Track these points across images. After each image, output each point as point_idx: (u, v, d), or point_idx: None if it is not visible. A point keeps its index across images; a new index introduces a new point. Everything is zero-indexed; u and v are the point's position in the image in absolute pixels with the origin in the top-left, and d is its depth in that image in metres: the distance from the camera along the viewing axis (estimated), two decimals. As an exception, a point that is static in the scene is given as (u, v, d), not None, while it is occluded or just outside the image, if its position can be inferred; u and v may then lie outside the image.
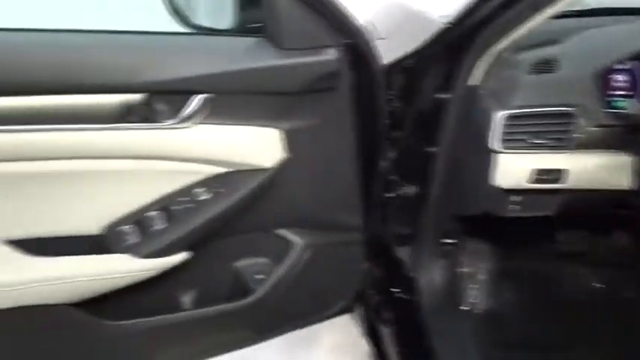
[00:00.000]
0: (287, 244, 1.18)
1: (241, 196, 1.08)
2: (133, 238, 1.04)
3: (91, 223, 1.03)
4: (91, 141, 0.96)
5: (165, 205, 1.06)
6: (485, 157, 1.16)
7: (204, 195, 1.07)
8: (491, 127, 1.13)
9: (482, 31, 1.05)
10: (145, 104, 0.98)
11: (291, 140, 1.09)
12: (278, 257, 1.18)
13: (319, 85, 1.05)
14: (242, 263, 1.19)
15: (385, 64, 1.13)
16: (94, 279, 1.01)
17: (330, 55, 1.04)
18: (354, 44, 1.07)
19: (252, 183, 1.08)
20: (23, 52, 0.93)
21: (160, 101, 1.00)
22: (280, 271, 1.17)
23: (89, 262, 1.01)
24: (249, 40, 1.06)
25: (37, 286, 0.97)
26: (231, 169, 1.07)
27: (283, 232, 1.18)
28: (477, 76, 1.13)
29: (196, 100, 1.00)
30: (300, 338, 1.33)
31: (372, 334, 1.43)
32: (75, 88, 0.94)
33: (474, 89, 1.14)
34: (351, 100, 1.11)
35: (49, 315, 0.99)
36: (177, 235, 1.05)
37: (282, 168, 1.09)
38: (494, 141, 1.20)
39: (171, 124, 1.00)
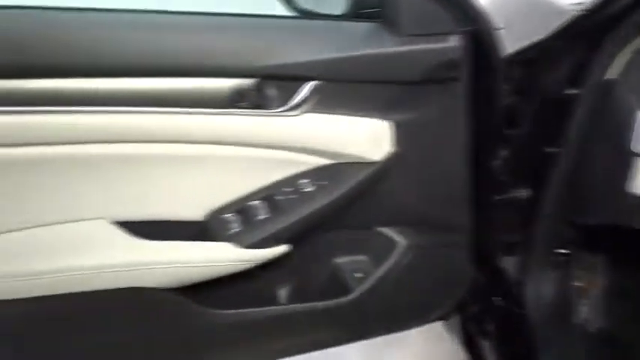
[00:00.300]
0: (389, 244, 1.11)
1: (345, 190, 1.03)
2: (235, 227, 1.01)
3: (194, 209, 1.02)
4: (200, 125, 0.94)
5: (268, 194, 1.02)
6: (621, 161, 1.04)
7: (308, 187, 1.03)
8: (633, 127, 1.00)
9: (628, 19, 0.94)
10: (256, 90, 0.95)
11: (401, 133, 1.02)
12: (379, 256, 1.12)
13: (439, 74, 0.98)
14: (341, 260, 1.14)
15: (505, 56, 1.04)
16: (196, 266, 0.99)
17: (453, 42, 0.97)
18: (476, 32, 0.99)
19: (358, 177, 1.03)
20: (140, 34, 0.92)
21: (270, 87, 0.97)
22: (380, 271, 1.11)
23: (192, 248, 1.00)
24: (364, 26, 1.00)
25: (142, 269, 0.96)
26: (337, 161, 1.02)
27: (386, 230, 1.12)
28: (615, 69, 1.01)
29: (307, 88, 0.96)
30: (387, 340, 1.26)
31: (470, 345, 1.34)
32: (187, 71, 0.93)
33: (611, 84, 1.02)
34: (469, 92, 1.03)
35: (150, 298, 0.99)
36: (279, 226, 1.02)
37: (390, 162, 1.03)
38: (638, 144, 1.07)
39: (281, 111, 0.97)
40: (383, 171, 1.03)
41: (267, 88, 0.96)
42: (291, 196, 1.02)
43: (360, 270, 1.13)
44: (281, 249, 1.03)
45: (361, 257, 1.14)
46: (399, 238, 1.11)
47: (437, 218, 1.11)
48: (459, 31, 0.97)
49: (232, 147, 0.98)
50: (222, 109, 0.94)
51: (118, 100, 0.91)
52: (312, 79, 0.96)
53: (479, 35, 0.99)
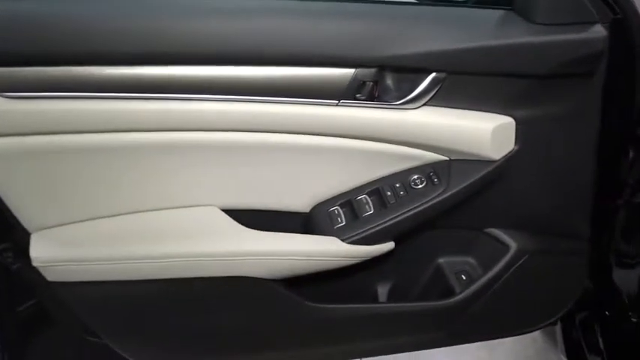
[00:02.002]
0: (499, 247, 1.05)
1: (458, 189, 0.97)
2: (341, 221, 0.98)
3: (301, 201, 0.99)
4: (315, 116, 0.91)
5: (377, 189, 0.98)
6: None
7: (419, 183, 0.98)
8: None
9: None
10: (374, 81, 0.90)
11: (525, 131, 0.95)
12: (487, 259, 1.06)
13: (575, 68, 0.89)
14: (446, 260, 1.09)
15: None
16: (300, 259, 0.97)
17: (594, 33, 0.87)
18: (621, 21, 0.89)
19: (474, 176, 0.97)
20: (260, 21, 0.89)
21: (390, 78, 0.92)
22: (488, 275, 1.05)
23: (297, 240, 0.98)
24: (493, 13, 0.93)
25: (249, 259, 0.95)
26: (452, 158, 0.96)
27: (497, 232, 1.05)
28: None
29: (428, 79, 0.90)
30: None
31: (575, 356, 1.26)
32: (305, 60, 0.89)
33: None
34: (604, 87, 0.93)
35: (254, 287, 0.98)
36: (387, 223, 0.97)
37: (510, 162, 0.96)
38: None
39: (400, 104, 0.91)
40: (501, 170, 0.96)
41: (387, 79, 0.92)
42: (400, 192, 0.97)
43: (465, 272, 1.08)
44: (386, 246, 0.99)
45: (468, 259, 1.08)
46: (510, 241, 1.04)
47: (555, 223, 1.03)
48: (601, 20, 0.87)
49: (344, 139, 0.94)
50: (339, 100, 0.90)
51: (236, 89, 0.89)
52: (434, 70, 0.90)
53: (623, 25, 0.89)
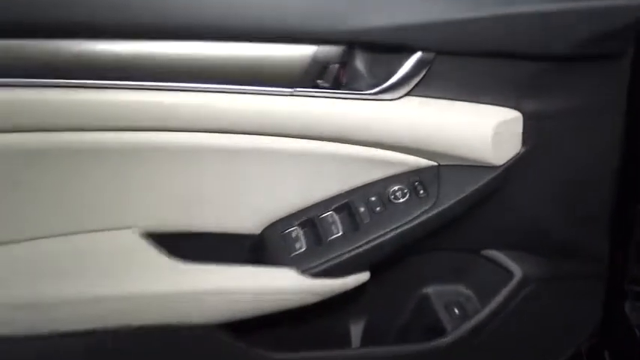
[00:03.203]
0: (500, 273, 0.84)
1: (452, 204, 0.75)
2: (301, 246, 0.76)
3: (249, 220, 0.77)
4: (263, 109, 0.69)
5: (347, 205, 0.77)
6: None
7: (401, 196, 0.76)
8: None
9: None
10: (340, 62, 0.68)
11: (535, 128, 0.74)
12: (484, 288, 0.85)
13: (601, 47, 0.69)
14: (434, 289, 0.88)
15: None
16: (249, 297, 0.75)
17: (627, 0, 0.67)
18: None
19: (470, 186, 0.75)
20: None
21: (360, 59, 0.70)
22: (486, 308, 0.84)
23: (244, 273, 0.75)
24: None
25: (180, 301, 0.72)
26: (443, 163, 0.75)
27: (497, 254, 0.84)
28: None
29: (411, 61, 0.69)
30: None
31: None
32: (244, 34, 0.67)
33: None
34: (633, 73, 0.73)
35: (191, 336, 0.75)
36: (359, 248, 0.75)
37: (516, 167, 0.75)
38: None
39: (374, 93, 0.70)
40: (505, 179, 0.76)
41: (357, 60, 0.70)
42: (377, 208, 0.76)
43: (458, 304, 0.87)
44: (359, 278, 0.77)
45: (461, 287, 0.88)
46: (513, 265, 0.84)
47: (569, 242, 0.83)
48: None
49: (301, 140, 0.72)
50: (294, 89, 0.68)
51: (158, 74, 0.67)
52: (420, 49, 0.68)
53: None
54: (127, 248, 0.73)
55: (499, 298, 0.84)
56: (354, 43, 0.68)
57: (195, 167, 0.72)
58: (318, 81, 0.68)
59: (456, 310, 0.86)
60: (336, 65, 0.68)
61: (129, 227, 0.74)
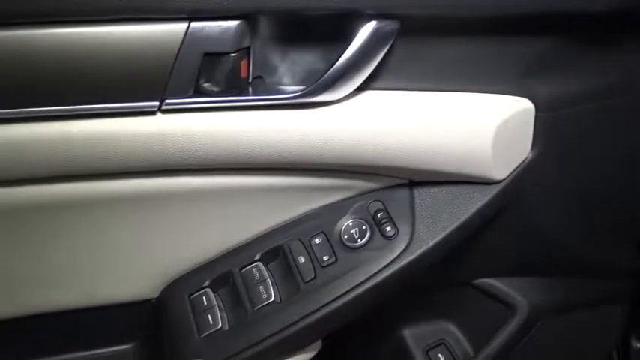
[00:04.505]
0: (498, 307, 0.62)
1: (434, 242, 0.50)
2: (215, 322, 0.51)
3: (145, 282, 0.52)
4: (132, 131, 0.41)
5: (278, 250, 0.51)
6: None
7: (357, 236, 0.51)
8: None
9: None
10: (240, 51, 0.40)
11: (550, 122, 0.50)
12: (479, 326, 0.64)
13: None
14: (412, 330, 0.65)
15: None
16: None
17: None
18: None
19: (461, 214, 0.50)
20: None
21: (277, 43, 0.42)
22: (483, 351, 0.62)
23: None
24: None
25: None
26: (417, 180, 0.50)
27: (494, 283, 0.62)
28: None
29: (360, 37, 0.41)
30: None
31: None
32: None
33: None
34: None
35: None
36: (302, 320, 0.50)
37: (523, 179, 0.51)
38: None
39: (301, 95, 0.42)
40: (508, 195, 0.51)
41: (270, 44, 0.42)
42: (324, 258, 0.50)
43: (444, 347, 0.65)
44: (303, 358, 0.53)
45: (448, 325, 0.66)
46: (516, 296, 0.62)
47: (590, 261, 0.61)
48: None
49: (204, 175, 0.45)
50: (161, 101, 0.40)
51: None
52: (377, 15, 0.40)
53: None
54: None
55: (498, 340, 0.62)
56: (259, 13, 0.39)
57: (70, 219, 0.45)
58: (204, 84, 0.40)
59: (441, 356, 0.65)
60: (233, 55, 0.39)
61: None
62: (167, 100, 0.40)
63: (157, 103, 0.40)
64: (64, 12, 0.35)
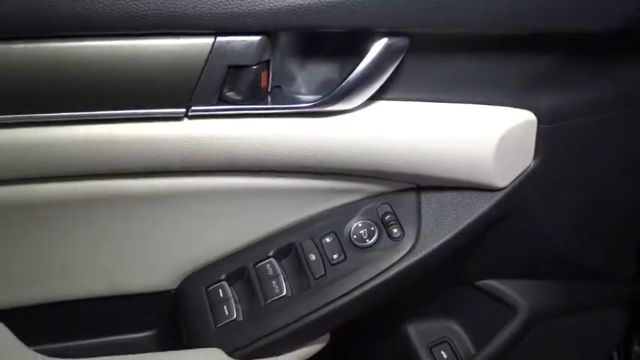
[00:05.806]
0: (500, 308, 0.65)
1: (438, 244, 0.53)
2: (230, 312, 0.54)
3: (165, 275, 0.55)
4: (157, 139, 0.45)
5: (290, 248, 0.55)
6: None
7: (367, 237, 0.54)
8: None
9: None
10: (260, 61, 0.43)
11: (552, 134, 0.52)
12: (480, 326, 0.67)
13: None
14: (416, 328, 0.68)
15: None
16: None
17: None
18: None
19: (464, 217, 0.53)
20: None
21: (294, 56, 0.45)
22: (484, 350, 0.65)
23: None
24: None
25: None
26: (424, 185, 0.53)
27: (496, 285, 0.64)
28: None
29: (372, 52, 0.44)
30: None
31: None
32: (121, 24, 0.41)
33: None
34: None
35: None
36: (311, 314, 0.54)
37: (525, 187, 0.53)
38: None
39: (317, 104, 0.45)
40: (511, 202, 0.54)
41: (288, 57, 0.45)
42: (333, 256, 0.54)
43: (447, 345, 0.68)
44: (311, 349, 0.56)
45: (451, 324, 0.68)
46: (517, 298, 0.65)
47: (591, 266, 0.64)
48: None
49: (224, 176, 0.49)
50: (186, 108, 0.44)
51: None
52: (387, 33, 0.43)
53: None
54: None
55: (499, 340, 0.65)
56: (276, 31, 0.43)
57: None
58: (227, 93, 0.43)
59: (444, 354, 0.67)
60: (254, 67, 0.43)
61: None
62: (193, 107, 0.44)
63: (184, 109, 0.44)
64: (108, 26, 0.39)
